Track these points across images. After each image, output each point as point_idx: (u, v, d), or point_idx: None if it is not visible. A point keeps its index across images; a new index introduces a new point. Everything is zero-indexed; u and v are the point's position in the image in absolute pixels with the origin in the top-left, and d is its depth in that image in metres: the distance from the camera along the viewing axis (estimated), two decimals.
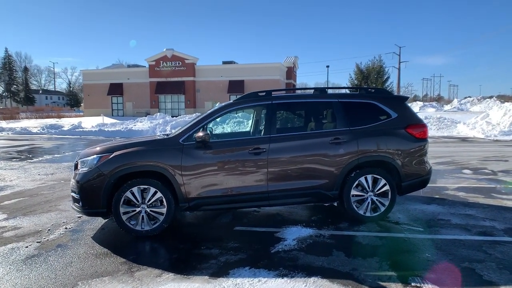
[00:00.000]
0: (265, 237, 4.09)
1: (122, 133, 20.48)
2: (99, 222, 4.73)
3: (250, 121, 5.60)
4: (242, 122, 16.36)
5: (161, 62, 38.94)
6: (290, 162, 4.34)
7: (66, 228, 4.52)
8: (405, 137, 4.60)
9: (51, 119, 34.25)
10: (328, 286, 2.92)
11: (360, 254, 3.56)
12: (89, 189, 4.11)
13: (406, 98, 4.95)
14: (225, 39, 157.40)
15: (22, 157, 11.38)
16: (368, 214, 4.54)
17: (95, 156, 4.21)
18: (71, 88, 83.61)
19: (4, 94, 67.64)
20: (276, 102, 4.56)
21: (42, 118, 37.37)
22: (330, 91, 5.03)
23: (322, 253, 3.59)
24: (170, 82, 38.89)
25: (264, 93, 4.66)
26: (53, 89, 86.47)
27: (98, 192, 4.08)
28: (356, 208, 4.51)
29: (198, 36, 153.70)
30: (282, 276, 3.11)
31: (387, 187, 4.52)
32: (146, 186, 4.14)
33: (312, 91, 4.89)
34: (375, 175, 4.50)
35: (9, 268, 3.37)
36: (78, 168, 4.29)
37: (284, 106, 4.69)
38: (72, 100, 76.80)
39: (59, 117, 38.34)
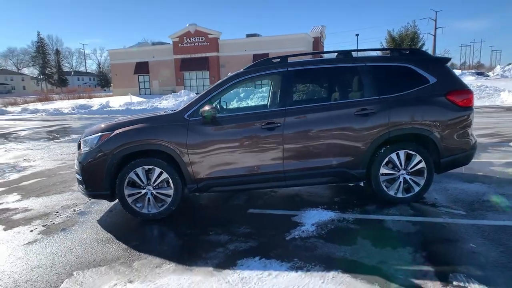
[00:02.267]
0: (281, 221, 3.67)
1: (148, 111, 20.55)
2: (108, 204, 4.50)
3: (268, 94, 5.07)
4: (266, 97, 15.73)
5: (185, 38, 38.41)
6: (309, 138, 3.83)
7: (74, 211, 4.32)
8: (445, 106, 3.92)
9: (82, 100, 35.08)
10: (350, 283, 2.47)
11: (390, 243, 3.06)
12: (91, 170, 3.82)
13: (447, 60, 4.20)
14: (249, 11, 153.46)
15: (50, 137, 11.56)
16: (399, 195, 3.98)
17: (96, 135, 3.89)
18: (100, 69, 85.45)
19: (39, 77, 70.23)
20: (293, 69, 4.00)
21: (74, 99, 38.36)
22: (356, 54, 4.37)
23: (345, 241, 3.13)
24: (194, 58, 38.46)
25: (278, 59, 4.10)
26: (84, 71, 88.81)
27: (101, 173, 3.79)
28: (385, 189, 3.96)
29: (222, 9, 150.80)
30: (296, 269, 2.69)
31: (422, 164, 3.92)
32: (150, 167, 3.80)
33: (335, 55, 4.26)
34: (408, 151, 3.90)
35: (8, 256, 3.18)
36: (81, 148, 4.01)
37: (302, 73, 4.10)
38: (102, 81, 78.55)
39: (90, 97, 39.25)
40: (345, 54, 4.12)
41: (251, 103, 14.81)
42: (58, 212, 4.30)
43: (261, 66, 4.06)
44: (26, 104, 31.37)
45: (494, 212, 3.64)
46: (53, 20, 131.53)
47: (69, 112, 22.98)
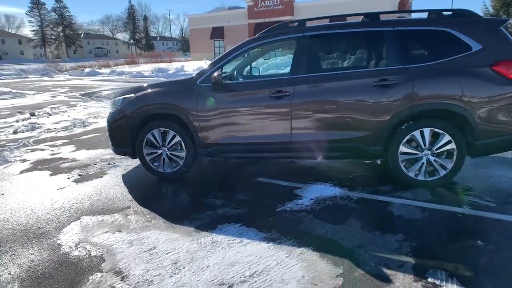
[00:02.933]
0: (282, 192, 3.61)
1: None
2: (137, 160, 4.89)
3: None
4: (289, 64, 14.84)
5: (259, 1, 37.86)
6: (320, 109, 3.60)
7: (109, 164, 4.81)
8: (489, 78, 3.31)
9: (163, 64, 37.51)
10: (313, 261, 2.37)
11: (382, 227, 2.82)
12: (116, 129, 4.17)
13: (502, 22, 3.47)
14: None
15: None
16: (421, 177, 3.58)
17: (121, 97, 4.20)
18: (183, 34, 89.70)
19: (130, 42, 76.62)
20: (310, 34, 3.71)
21: (157, 62, 41.22)
22: (386, 17, 3.85)
23: (334, 219, 2.97)
24: (268, 23, 37.78)
25: (296, 23, 3.84)
26: (169, 36, 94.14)
27: (124, 132, 4.11)
28: (405, 169, 3.59)
29: None
30: (269, 240, 2.66)
31: (452, 146, 3.43)
32: (165, 129, 3.99)
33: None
34: (436, 129, 3.43)
35: (43, 197, 3.72)
36: (111, 108, 4.37)
37: (320, 38, 3.79)
38: (184, 46, 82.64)
39: (170, 62, 41.73)
40: (372, 17, 3.67)
41: (274, 70, 14.10)
42: (96, 164, 4.83)
43: (278, 31, 3.85)
44: (115, 67, 34.75)
45: None
46: None
47: (148, 74, 24.86)
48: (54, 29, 71.33)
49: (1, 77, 24.94)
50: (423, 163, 3.54)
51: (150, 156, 4.11)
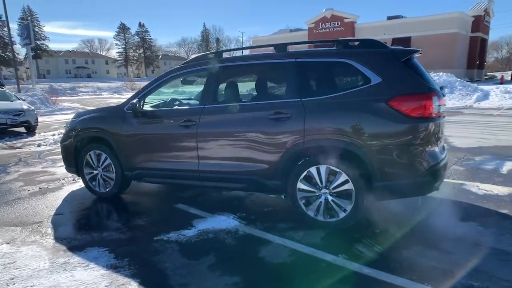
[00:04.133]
0: (183, 220, 3.62)
1: None
2: None
3: None
4: None
5: (320, 23, 37.96)
6: (221, 140, 3.59)
7: (73, 180, 5.30)
8: (384, 114, 3.00)
9: None
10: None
11: (229, 268, 2.70)
12: (64, 149, 4.65)
13: (406, 53, 3.12)
14: None
15: None
16: (320, 218, 3.32)
17: (70, 120, 4.68)
18: None
19: None
20: (222, 65, 3.76)
21: None
22: (295, 48, 3.71)
23: (193, 254, 2.92)
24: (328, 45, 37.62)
25: (214, 55, 3.92)
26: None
27: (70, 152, 4.57)
28: (303, 207, 3.37)
29: None
30: (110, 268, 2.74)
31: (350, 186, 3.14)
32: (99, 151, 4.34)
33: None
34: (332, 167, 3.18)
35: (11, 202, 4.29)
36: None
37: (228, 70, 3.79)
38: None
39: None
40: (280, 48, 3.58)
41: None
42: (64, 179, 5.37)
43: (195, 62, 3.97)
44: None
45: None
46: (219, 11, 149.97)
47: None
48: (136, 51, 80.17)
49: (79, 94, 28.80)
50: (321, 202, 3.29)
51: (89, 176, 4.48)
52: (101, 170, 4.38)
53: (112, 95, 28.19)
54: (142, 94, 4.09)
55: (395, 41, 33.28)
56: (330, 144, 3.16)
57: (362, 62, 3.14)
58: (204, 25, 79.65)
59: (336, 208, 3.24)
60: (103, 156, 4.30)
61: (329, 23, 37.17)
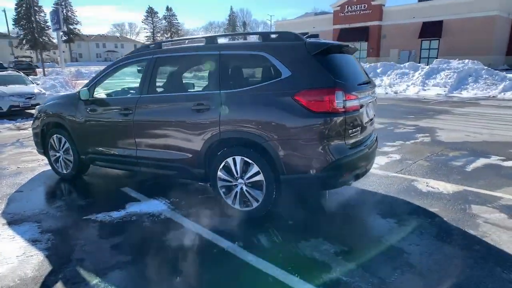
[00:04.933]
0: (120, 203, 3.86)
1: None
2: None
3: None
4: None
5: (346, 6, 36.60)
6: (153, 128, 3.77)
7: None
8: (291, 108, 3.03)
9: None
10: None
11: (131, 247, 2.92)
12: (34, 133, 5.04)
13: (320, 46, 3.10)
14: None
15: None
16: (237, 206, 3.45)
17: (38, 106, 5.04)
18: None
19: None
20: (159, 56, 3.90)
21: None
22: (225, 40, 3.75)
23: (108, 233, 3.18)
24: (353, 28, 36.37)
25: (154, 45, 4.06)
26: None
27: (38, 136, 4.95)
28: (223, 196, 3.51)
29: None
30: (28, 240, 3.06)
31: (260, 177, 3.24)
32: (60, 136, 4.66)
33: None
34: (245, 158, 3.28)
35: None
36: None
37: (167, 61, 3.91)
38: None
39: None
40: (210, 40, 3.66)
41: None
42: (43, 160, 5.78)
43: (137, 53, 4.14)
44: None
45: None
46: None
47: None
48: (164, 35, 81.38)
49: None
50: (236, 192, 3.41)
51: (53, 158, 4.84)
52: (62, 153, 4.71)
53: (134, 80, 29.09)
54: (92, 83, 4.33)
55: (426, 25, 31.61)
56: (242, 136, 3.25)
57: (275, 55, 3.17)
58: (231, 9, 79.27)
59: (250, 198, 3.35)
60: (63, 140, 4.63)
61: (356, 6, 35.75)
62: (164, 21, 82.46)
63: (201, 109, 3.42)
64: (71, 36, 67.72)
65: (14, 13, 61.33)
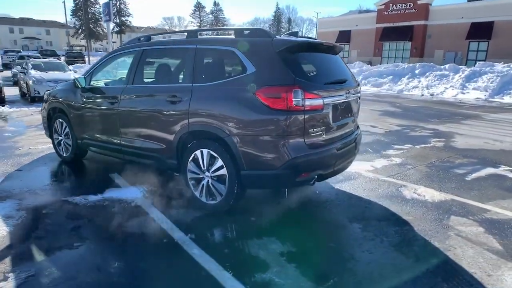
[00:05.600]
0: (101, 187, 4.01)
1: None
2: None
3: None
4: None
5: (391, 5, 35.07)
6: (134, 117, 3.90)
7: None
8: (251, 104, 3.00)
9: None
10: None
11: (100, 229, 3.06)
12: (42, 116, 5.40)
13: (287, 43, 3.01)
14: None
15: None
16: (203, 199, 3.48)
17: (48, 91, 5.38)
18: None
19: None
20: (145, 48, 4.01)
21: None
22: (204, 35, 3.75)
23: (76, 215, 3.36)
24: (397, 27, 34.78)
25: (143, 38, 4.18)
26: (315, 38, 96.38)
27: (45, 120, 5.30)
28: (192, 187, 3.55)
29: None
30: (3, 216, 3.30)
31: (224, 171, 3.24)
32: (62, 120, 4.96)
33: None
34: (211, 151, 3.30)
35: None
36: None
37: (152, 53, 4.00)
38: None
39: None
40: (190, 34, 3.70)
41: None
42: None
43: (131, 44, 4.28)
44: None
45: None
46: None
47: None
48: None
49: None
50: (203, 184, 3.44)
51: (56, 141, 5.17)
52: (63, 137, 5.01)
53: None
54: (89, 72, 4.55)
55: (475, 25, 29.52)
56: (207, 130, 3.27)
57: (243, 51, 3.14)
58: (277, 5, 79.08)
59: (214, 192, 3.37)
60: (64, 124, 4.92)
61: (401, 5, 34.11)
62: (210, 16, 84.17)
63: (174, 101, 3.48)
64: (122, 28, 71.04)
65: (73, 5, 65.63)
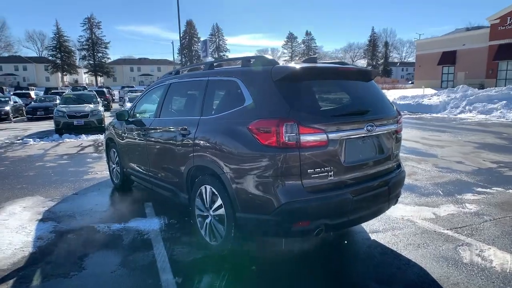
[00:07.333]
0: (129, 216, 4.14)
1: (410, 107, 19.76)
2: None
3: None
4: None
5: (508, 18, 30.52)
6: (157, 149, 3.96)
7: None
8: (244, 139, 2.71)
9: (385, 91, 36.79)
10: None
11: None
12: (104, 144, 5.97)
13: (285, 71, 2.63)
14: None
15: None
16: (207, 238, 3.24)
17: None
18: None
19: (368, 67, 79.40)
20: (172, 82, 4.08)
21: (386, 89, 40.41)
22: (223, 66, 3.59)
23: (89, 240, 3.46)
24: None
25: (174, 71, 4.28)
26: (412, 61, 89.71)
27: (104, 147, 5.85)
28: (198, 224, 3.36)
29: None
30: (28, 220, 3.74)
31: (222, 211, 2.98)
32: (114, 149, 5.35)
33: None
34: (212, 189, 3.08)
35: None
36: None
37: (177, 87, 4.00)
38: None
39: (389, 88, 40.35)
40: (208, 66, 3.62)
41: None
42: None
43: (163, 78, 4.43)
44: None
45: None
46: (391, 13, 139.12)
47: None
48: (301, 58, 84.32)
49: None
50: (207, 223, 3.21)
51: (111, 168, 5.60)
52: (115, 165, 5.41)
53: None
54: (133, 105, 4.86)
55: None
56: (206, 165, 3.08)
57: (244, 82, 2.91)
58: (372, 29, 76.37)
59: (216, 232, 3.10)
60: (115, 153, 5.32)
61: None
62: (302, 45, 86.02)
63: (184, 134, 3.40)
64: None
65: (179, 44, 74.75)
